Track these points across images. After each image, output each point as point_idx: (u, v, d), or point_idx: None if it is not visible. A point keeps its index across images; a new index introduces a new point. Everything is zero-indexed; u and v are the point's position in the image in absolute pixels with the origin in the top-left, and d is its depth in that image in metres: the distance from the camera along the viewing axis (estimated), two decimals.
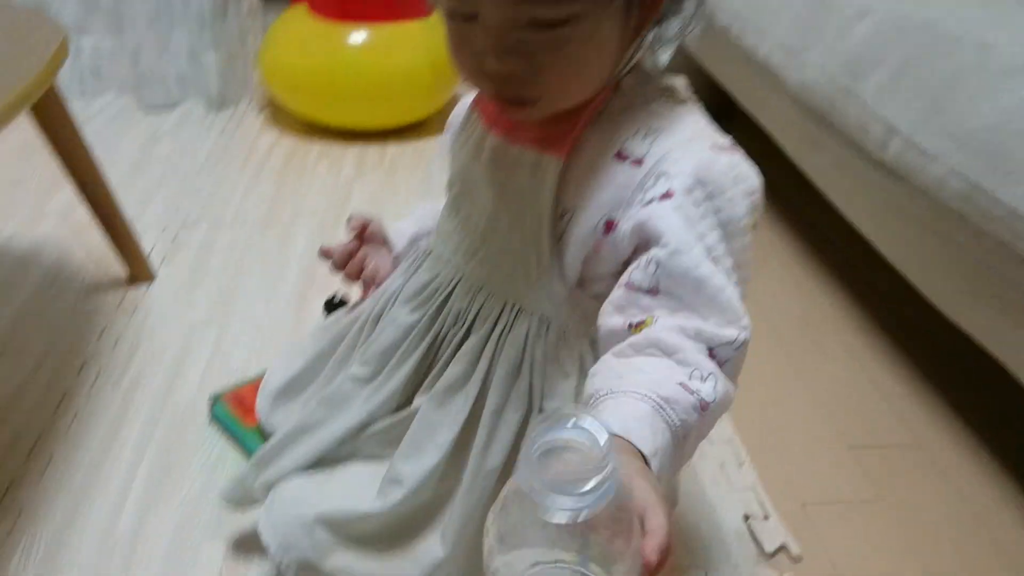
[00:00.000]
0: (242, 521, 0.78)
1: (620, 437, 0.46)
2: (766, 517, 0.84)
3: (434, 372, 0.69)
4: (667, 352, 0.53)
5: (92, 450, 0.87)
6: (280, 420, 0.79)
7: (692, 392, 0.51)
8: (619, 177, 0.59)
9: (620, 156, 0.59)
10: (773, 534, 0.82)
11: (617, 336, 0.57)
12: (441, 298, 0.69)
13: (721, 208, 0.56)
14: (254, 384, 0.93)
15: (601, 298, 0.60)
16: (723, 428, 0.95)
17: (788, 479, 0.91)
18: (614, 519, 0.38)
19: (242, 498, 0.74)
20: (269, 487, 0.70)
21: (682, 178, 0.56)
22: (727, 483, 0.89)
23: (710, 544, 0.81)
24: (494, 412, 0.65)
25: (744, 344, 0.55)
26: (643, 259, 0.56)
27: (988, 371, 0.93)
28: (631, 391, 0.50)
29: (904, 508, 0.88)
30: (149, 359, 1.01)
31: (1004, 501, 0.89)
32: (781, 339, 1.15)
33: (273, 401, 0.81)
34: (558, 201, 0.61)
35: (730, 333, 0.54)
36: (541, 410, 0.66)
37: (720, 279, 0.55)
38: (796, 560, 0.80)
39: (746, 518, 0.84)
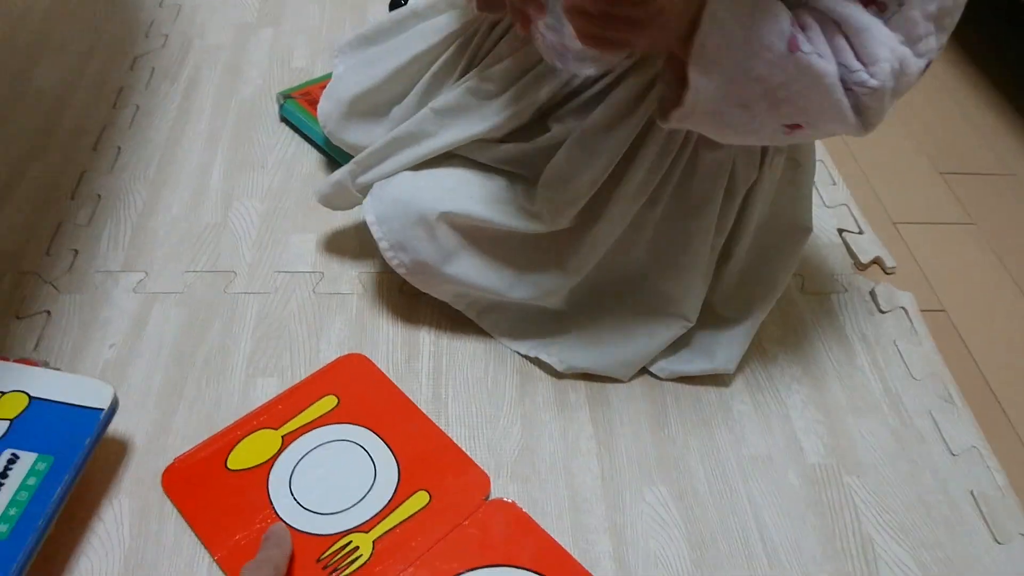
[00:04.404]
0: (331, 217, 0.76)
1: None
2: (860, 232, 0.83)
3: (573, 106, 0.61)
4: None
5: (160, 144, 0.83)
6: (360, 137, 0.73)
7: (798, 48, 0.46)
8: None
9: None
10: (868, 247, 0.81)
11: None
12: None
13: None
14: (323, 83, 0.87)
15: None
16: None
17: (879, 200, 0.88)
18: None
19: (341, 201, 0.70)
20: (367, 190, 0.66)
21: None
22: (820, 200, 0.86)
23: (806, 253, 0.79)
24: (635, 151, 0.59)
25: (874, 89, 0.48)
26: None
27: None
28: None
29: (996, 232, 0.86)
30: (204, 58, 0.94)
31: None
32: None
33: (346, 112, 0.74)
34: None
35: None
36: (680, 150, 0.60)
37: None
38: (890, 272, 0.79)
39: (840, 232, 0.83)
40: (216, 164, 0.82)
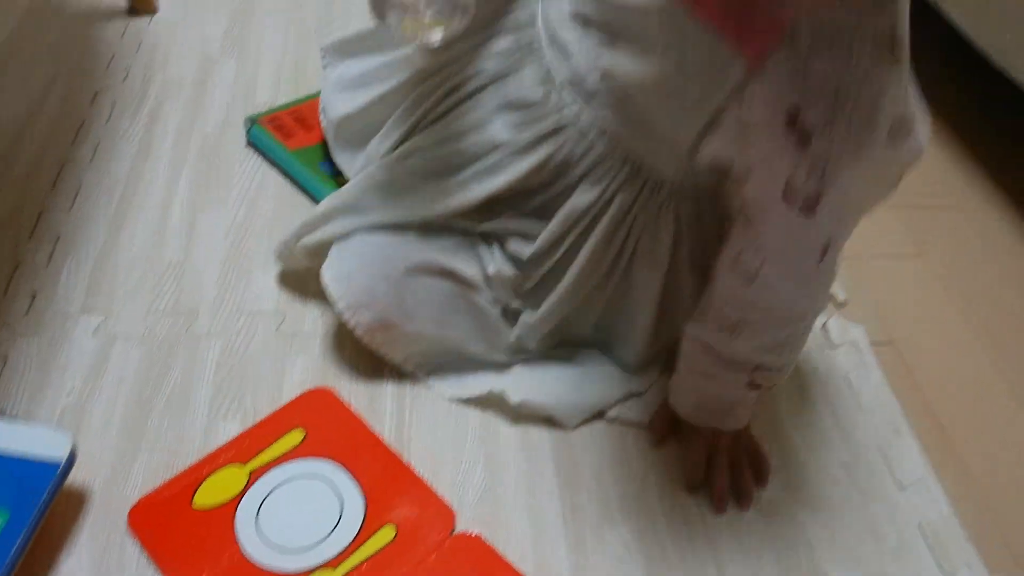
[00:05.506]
0: None
1: None
2: None
3: (520, 218, 0.64)
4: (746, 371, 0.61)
5: (121, 180, 0.83)
6: (344, 163, 0.74)
7: (755, 388, 0.62)
8: (779, 144, 0.51)
9: (791, 121, 0.50)
10: None
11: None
12: (548, 127, 0.60)
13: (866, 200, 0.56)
14: (290, 110, 0.88)
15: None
16: None
17: None
18: None
19: (294, 262, 0.71)
20: (312, 252, 0.67)
21: (837, 192, 0.52)
22: None
23: None
24: (579, 274, 0.64)
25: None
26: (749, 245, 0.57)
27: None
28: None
29: (945, 264, 0.89)
30: (166, 92, 0.94)
31: None
32: None
33: (335, 134, 0.75)
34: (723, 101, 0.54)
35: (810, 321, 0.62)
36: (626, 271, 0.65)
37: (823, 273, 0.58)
38: (841, 305, 0.82)
39: None
40: (177, 201, 0.81)
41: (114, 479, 0.59)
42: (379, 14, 0.50)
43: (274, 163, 0.85)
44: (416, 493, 0.60)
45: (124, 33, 1.02)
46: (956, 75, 1.21)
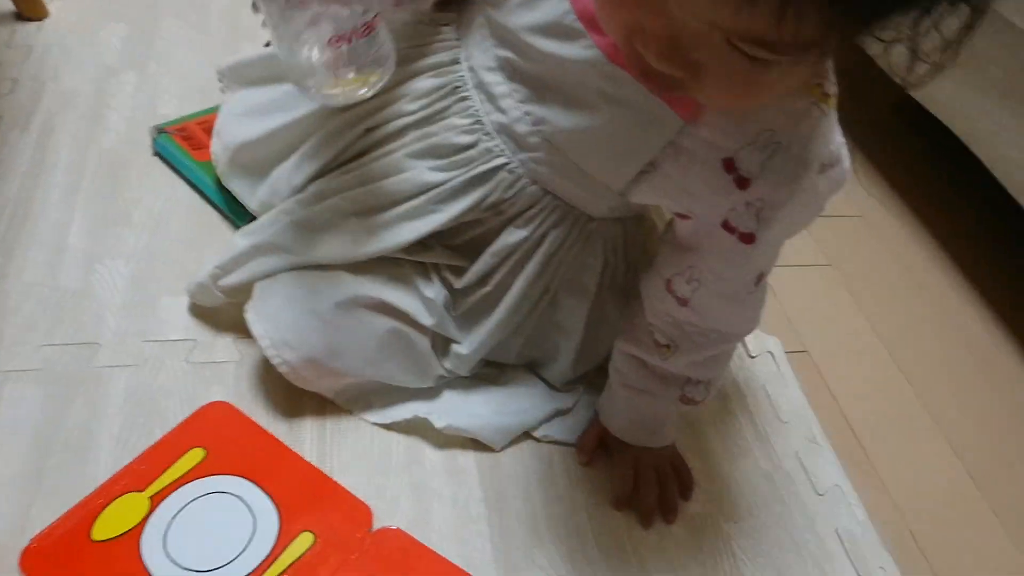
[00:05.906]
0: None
1: None
2: None
3: (451, 252, 0.64)
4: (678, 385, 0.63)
5: (10, 200, 0.77)
6: (242, 190, 0.71)
7: (688, 402, 0.64)
8: (717, 187, 0.53)
9: (728, 166, 0.51)
10: None
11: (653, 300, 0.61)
12: (478, 172, 0.59)
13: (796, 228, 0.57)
14: (199, 120, 0.85)
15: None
16: None
17: None
18: None
19: (209, 300, 0.68)
20: (233, 291, 0.65)
21: (773, 230, 0.54)
22: None
23: None
24: (511, 306, 0.64)
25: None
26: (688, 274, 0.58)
27: (926, 152, 0.97)
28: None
29: (850, 272, 0.93)
30: (59, 105, 0.88)
31: (940, 268, 0.96)
32: None
33: (231, 159, 0.71)
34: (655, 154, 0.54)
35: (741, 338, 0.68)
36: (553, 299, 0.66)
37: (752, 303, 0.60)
38: None
39: None
40: (75, 222, 0.76)
41: (10, 530, 0.55)
42: (298, 82, 0.48)
43: (182, 175, 0.81)
44: (330, 495, 0.59)
45: (10, 40, 0.95)
46: (857, 90, 1.26)
